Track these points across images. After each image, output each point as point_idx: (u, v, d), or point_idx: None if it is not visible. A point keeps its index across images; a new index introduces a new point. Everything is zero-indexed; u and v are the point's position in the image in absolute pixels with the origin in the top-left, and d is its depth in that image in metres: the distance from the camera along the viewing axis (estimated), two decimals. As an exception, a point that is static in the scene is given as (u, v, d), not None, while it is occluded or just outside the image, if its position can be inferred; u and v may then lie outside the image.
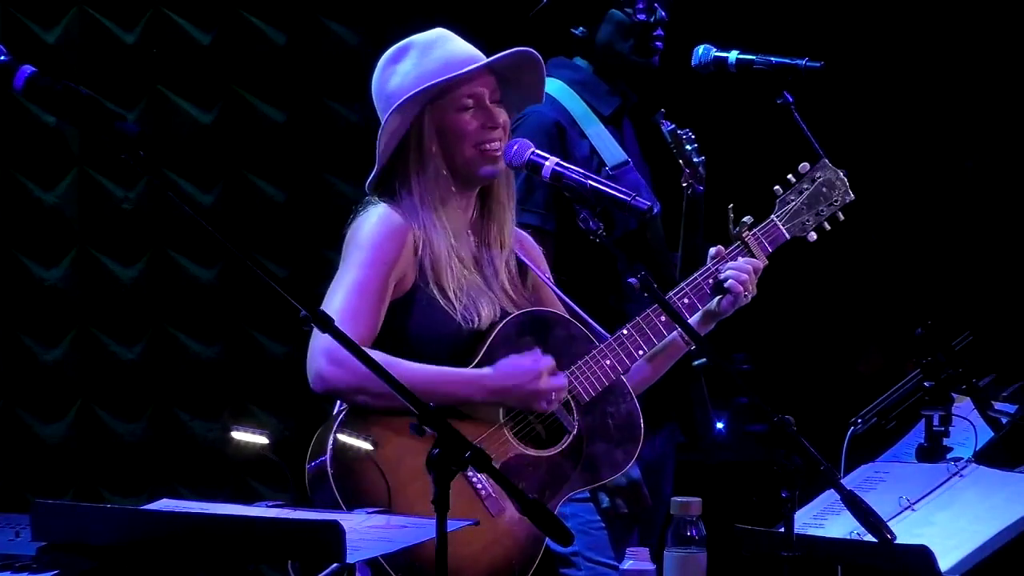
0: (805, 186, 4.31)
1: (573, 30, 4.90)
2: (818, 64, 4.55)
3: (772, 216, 4.27)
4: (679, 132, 4.67)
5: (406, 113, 3.98)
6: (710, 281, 4.17)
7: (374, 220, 3.97)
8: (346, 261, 3.95)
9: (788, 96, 4.51)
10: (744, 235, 4.22)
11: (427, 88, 3.96)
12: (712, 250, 4.23)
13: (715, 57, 4.67)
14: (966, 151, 7.12)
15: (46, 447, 6.04)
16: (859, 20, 6.98)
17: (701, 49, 4.70)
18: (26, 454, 6.02)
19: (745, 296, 4.17)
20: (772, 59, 4.58)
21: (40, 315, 6.05)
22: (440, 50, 4.03)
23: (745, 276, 4.16)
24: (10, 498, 5.80)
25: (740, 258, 4.20)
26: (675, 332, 4.12)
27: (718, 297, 4.16)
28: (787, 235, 4.28)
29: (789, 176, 4.33)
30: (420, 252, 3.96)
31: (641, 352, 4.08)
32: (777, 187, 4.30)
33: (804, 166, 4.33)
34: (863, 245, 4.60)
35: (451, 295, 3.96)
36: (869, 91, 6.92)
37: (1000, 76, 6.95)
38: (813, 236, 4.32)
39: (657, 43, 4.87)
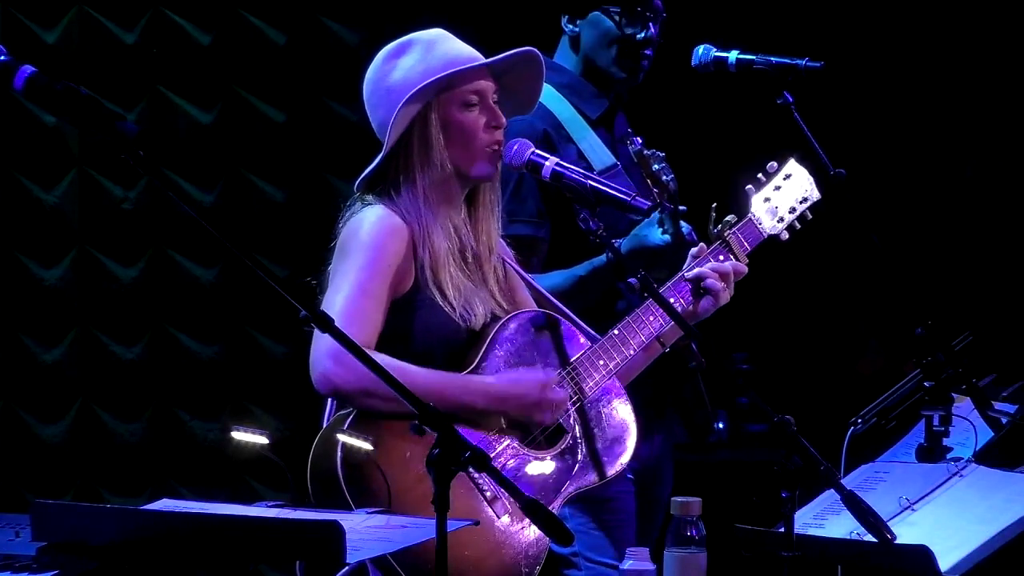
0: (777, 184, 4.36)
1: (564, 25, 4.85)
2: (818, 64, 4.54)
3: (749, 215, 4.31)
4: (646, 152, 4.32)
5: (411, 107, 3.96)
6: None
7: (373, 220, 3.93)
8: (345, 261, 3.92)
9: (788, 96, 4.50)
10: (726, 234, 4.24)
11: (438, 79, 3.94)
12: (693, 249, 4.24)
13: (715, 57, 4.65)
14: (967, 150, 7.12)
15: (46, 447, 6.04)
16: (859, 20, 6.98)
17: (701, 49, 4.68)
18: (26, 454, 6.02)
19: (725, 297, 4.20)
20: (772, 59, 4.58)
21: (40, 315, 6.05)
22: (444, 46, 4.03)
23: (725, 276, 4.18)
24: (10, 498, 5.80)
25: (720, 257, 4.22)
26: (661, 331, 4.15)
27: (698, 298, 4.18)
28: (765, 234, 4.31)
29: (759, 175, 4.35)
30: (420, 252, 3.95)
31: (631, 352, 4.10)
32: (749, 186, 4.33)
33: (772, 165, 4.37)
34: (863, 245, 4.59)
35: (450, 295, 3.95)
36: (869, 92, 6.92)
37: (1001, 75, 6.95)
38: (786, 235, 4.37)
39: (643, 62, 4.81)
